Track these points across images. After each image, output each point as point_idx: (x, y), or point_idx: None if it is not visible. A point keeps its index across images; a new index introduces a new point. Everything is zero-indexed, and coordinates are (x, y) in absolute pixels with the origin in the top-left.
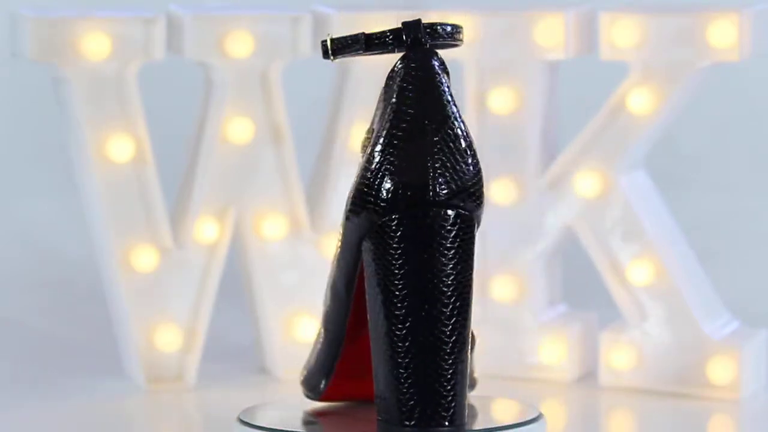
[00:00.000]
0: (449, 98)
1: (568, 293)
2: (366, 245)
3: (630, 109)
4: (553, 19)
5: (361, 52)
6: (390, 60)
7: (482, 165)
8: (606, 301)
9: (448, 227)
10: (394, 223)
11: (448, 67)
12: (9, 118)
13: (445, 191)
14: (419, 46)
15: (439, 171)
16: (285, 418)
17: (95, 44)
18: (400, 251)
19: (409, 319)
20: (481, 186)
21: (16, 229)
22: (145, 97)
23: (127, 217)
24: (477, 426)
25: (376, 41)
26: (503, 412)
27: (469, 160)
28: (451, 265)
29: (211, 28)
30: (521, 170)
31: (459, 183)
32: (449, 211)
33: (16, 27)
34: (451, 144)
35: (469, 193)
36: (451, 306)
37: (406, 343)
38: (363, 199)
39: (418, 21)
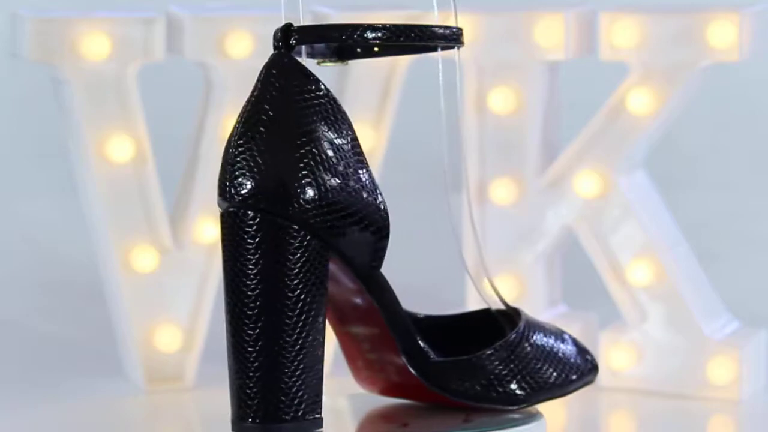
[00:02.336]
0: (301, 107)
1: (568, 293)
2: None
3: (630, 109)
4: (553, 20)
5: None
6: (391, 61)
7: (482, 165)
8: (606, 301)
9: (296, 243)
10: (248, 218)
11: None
12: (9, 118)
13: (304, 203)
14: (277, 50)
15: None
16: None
17: (95, 44)
18: (252, 247)
19: (253, 318)
20: (338, 206)
21: (16, 229)
22: (145, 97)
23: (127, 217)
24: (477, 426)
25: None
26: (503, 412)
27: (325, 175)
28: (298, 281)
29: (211, 29)
30: (521, 170)
31: (323, 197)
32: (296, 226)
33: (16, 27)
34: (313, 157)
35: (327, 210)
36: (295, 315)
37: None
38: (223, 185)
39: (285, 26)
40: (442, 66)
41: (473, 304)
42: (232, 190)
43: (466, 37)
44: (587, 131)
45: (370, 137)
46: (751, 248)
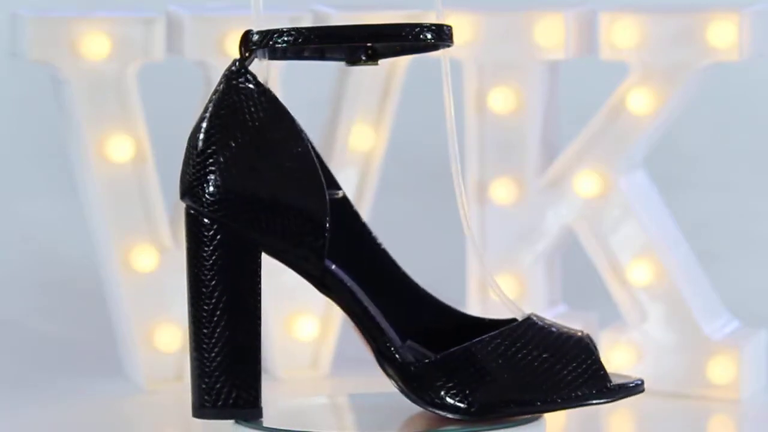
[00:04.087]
0: (246, 117)
1: (568, 293)
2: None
3: (630, 109)
4: (553, 19)
5: None
6: (390, 61)
7: (482, 165)
8: (606, 301)
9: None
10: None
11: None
12: (9, 118)
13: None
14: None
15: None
16: (284, 418)
17: (95, 44)
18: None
19: (211, 318)
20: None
21: (16, 229)
22: (145, 97)
23: (127, 217)
24: (476, 425)
25: None
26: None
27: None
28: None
29: (211, 28)
30: (521, 170)
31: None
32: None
33: (16, 27)
34: (286, 168)
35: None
36: (249, 313)
37: (212, 331)
38: (190, 185)
39: (244, 32)
40: (437, 66)
41: (473, 304)
42: (199, 195)
43: (467, 36)
44: (587, 131)
45: (370, 137)
46: (751, 248)
